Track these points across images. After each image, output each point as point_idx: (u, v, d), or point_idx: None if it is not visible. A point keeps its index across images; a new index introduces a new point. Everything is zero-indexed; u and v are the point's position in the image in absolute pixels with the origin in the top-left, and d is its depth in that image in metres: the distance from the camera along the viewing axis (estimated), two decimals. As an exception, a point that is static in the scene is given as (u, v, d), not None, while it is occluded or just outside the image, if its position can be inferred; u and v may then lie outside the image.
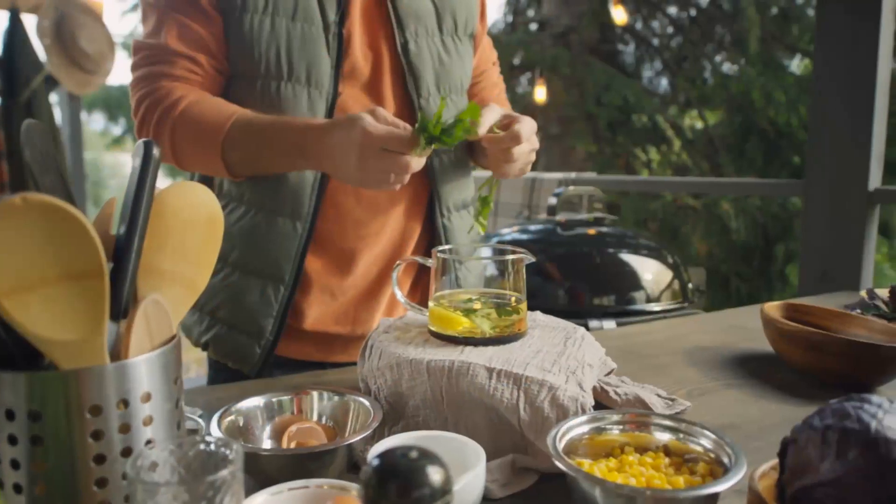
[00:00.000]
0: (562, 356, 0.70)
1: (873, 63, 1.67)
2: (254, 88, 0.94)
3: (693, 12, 6.42)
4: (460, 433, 0.66)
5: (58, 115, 3.13)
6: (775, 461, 0.56)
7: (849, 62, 1.72)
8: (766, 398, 0.87)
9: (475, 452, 0.54)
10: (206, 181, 1.03)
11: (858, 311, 1.17)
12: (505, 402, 0.63)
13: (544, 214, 2.32)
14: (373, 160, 0.80)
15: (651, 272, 1.66)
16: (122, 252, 0.43)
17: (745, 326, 1.23)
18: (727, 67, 6.13)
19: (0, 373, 0.39)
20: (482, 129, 0.88)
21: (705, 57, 6.19)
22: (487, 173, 0.99)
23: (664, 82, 6.78)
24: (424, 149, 0.81)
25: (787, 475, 0.51)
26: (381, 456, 0.35)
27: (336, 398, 0.68)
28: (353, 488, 0.49)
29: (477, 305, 0.76)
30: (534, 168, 1.11)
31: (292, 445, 0.64)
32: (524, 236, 1.79)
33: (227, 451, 0.39)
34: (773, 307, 1.05)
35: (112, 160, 11.48)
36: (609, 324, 1.47)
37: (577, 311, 1.54)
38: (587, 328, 0.86)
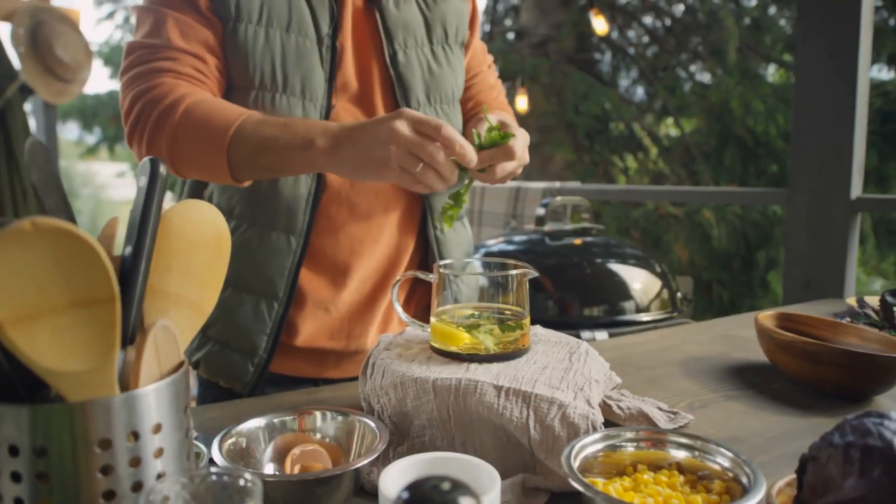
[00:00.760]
0: (568, 372, 0.69)
1: (853, 74, 1.71)
2: (248, 100, 0.92)
3: (668, 21, 6.52)
4: (468, 453, 0.65)
5: (32, 124, 3.06)
6: (790, 477, 0.56)
7: (829, 73, 1.75)
8: (766, 410, 0.87)
9: (489, 475, 0.53)
10: (197, 195, 1.01)
11: (848, 319, 1.18)
12: (514, 420, 0.62)
13: (530, 224, 2.32)
14: (404, 133, 0.76)
15: (640, 282, 1.66)
16: (129, 275, 0.41)
17: (737, 336, 1.24)
18: (702, 76, 6.23)
19: (1, 406, 0.37)
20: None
21: (680, 66, 6.28)
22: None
23: (640, 91, 6.86)
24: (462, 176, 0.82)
25: (806, 492, 0.51)
26: (412, 489, 0.34)
27: (340, 418, 0.66)
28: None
29: (480, 321, 0.75)
30: (517, 177, 1.11)
31: (296, 469, 0.62)
32: (512, 247, 1.78)
33: (246, 484, 0.37)
34: (766, 317, 1.05)
35: (84, 169, 11.26)
36: (601, 334, 1.47)
37: (568, 322, 1.54)
38: (579, 339, 0.86)
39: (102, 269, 0.35)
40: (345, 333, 1.01)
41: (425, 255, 1.07)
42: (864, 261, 4.99)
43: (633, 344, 1.19)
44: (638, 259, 1.72)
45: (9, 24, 2.85)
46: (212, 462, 0.59)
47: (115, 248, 0.46)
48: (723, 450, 0.55)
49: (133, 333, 0.42)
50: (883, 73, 5.02)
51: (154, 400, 0.40)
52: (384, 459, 0.65)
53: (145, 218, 0.42)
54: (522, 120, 5.41)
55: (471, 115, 1.13)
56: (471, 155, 0.79)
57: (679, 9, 6.44)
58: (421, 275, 0.79)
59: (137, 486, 0.39)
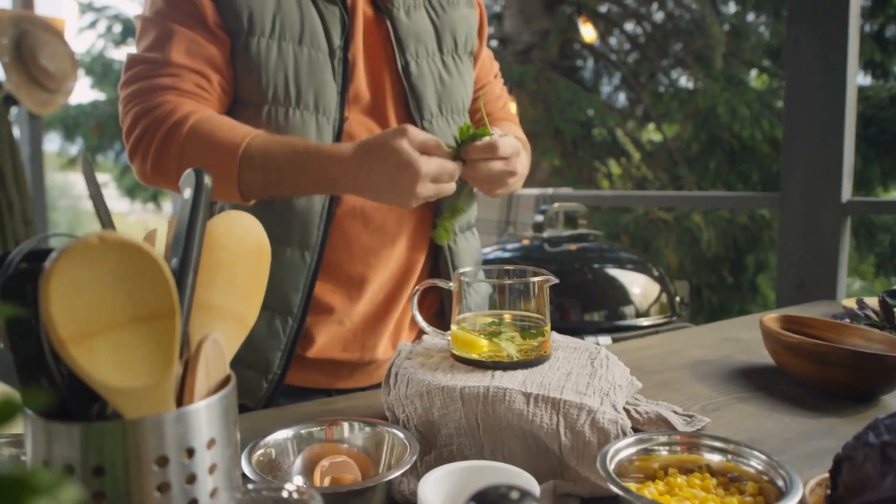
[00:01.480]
0: (593, 378, 0.69)
1: (842, 80, 1.74)
2: (260, 114, 0.91)
3: (648, 28, 6.60)
4: (497, 460, 0.65)
5: (17, 134, 3.01)
6: (821, 477, 0.56)
7: (818, 79, 1.78)
8: (779, 411, 0.88)
9: (528, 482, 0.53)
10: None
11: (847, 320, 1.20)
12: (545, 427, 0.62)
13: (524, 231, 2.33)
14: (427, 175, 0.78)
15: (639, 286, 1.68)
16: (178, 288, 0.41)
17: (739, 338, 1.25)
18: (684, 82, 6.31)
19: (56, 424, 0.36)
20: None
21: (662, 72, 6.36)
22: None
23: (622, 97, 6.94)
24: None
25: (841, 491, 0.51)
26: (479, 498, 0.34)
27: (368, 429, 0.66)
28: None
29: (502, 328, 0.75)
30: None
31: (326, 481, 0.61)
32: (510, 254, 1.79)
33: (304, 498, 0.37)
34: (771, 319, 1.07)
35: (61, 180, 11.09)
36: (605, 340, 1.48)
37: (570, 328, 1.55)
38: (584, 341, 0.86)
39: (164, 283, 0.35)
40: (358, 344, 1.01)
41: (436, 264, 1.07)
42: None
43: (637, 348, 1.20)
44: (636, 264, 1.73)
45: (-7, 34, 2.81)
46: (243, 476, 0.58)
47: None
48: (756, 452, 0.56)
49: (181, 349, 0.41)
50: (860, 79, 5.13)
51: (207, 415, 0.39)
52: (412, 469, 0.65)
53: (192, 230, 0.42)
54: (509, 126, 5.42)
55: (479, 125, 1.14)
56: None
57: (660, 16, 6.52)
58: (440, 283, 0.79)
59: None
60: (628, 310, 1.60)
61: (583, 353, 0.77)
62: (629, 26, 6.83)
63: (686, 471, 0.59)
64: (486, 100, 1.17)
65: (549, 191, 2.62)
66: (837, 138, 1.76)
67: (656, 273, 1.73)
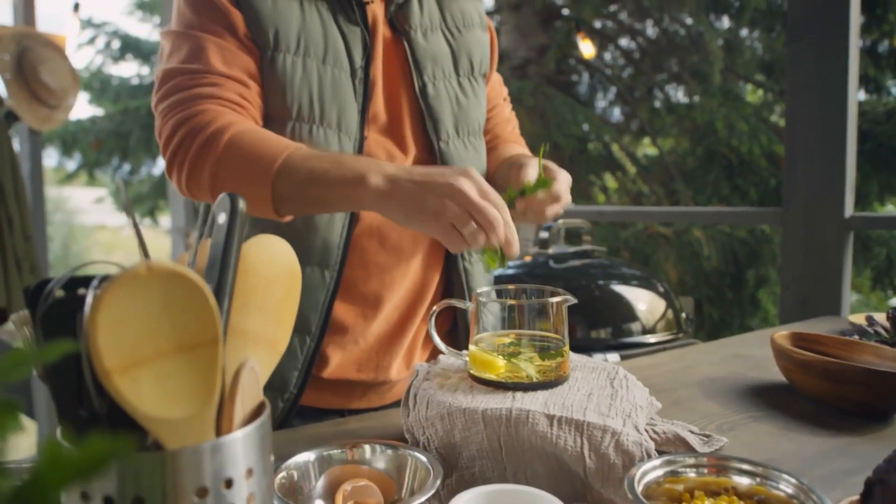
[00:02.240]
0: (615, 399, 0.69)
1: (843, 95, 1.76)
2: (284, 131, 0.91)
3: (643, 43, 6.67)
4: (520, 483, 0.65)
5: (17, 149, 3.01)
6: (850, 499, 0.56)
7: (819, 96, 1.80)
8: (794, 430, 0.87)
9: (556, 506, 0.53)
10: None
11: (856, 336, 1.20)
12: (569, 449, 0.62)
13: (530, 246, 2.33)
14: (467, 191, 0.73)
15: (645, 303, 1.68)
16: (213, 315, 0.40)
17: (748, 355, 1.25)
18: (679, 96, 6.36)
19: (95, 454, 0.36)
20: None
21: (657, 87, 6.41)
22: None
23: (617, 111, 6.99)
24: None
25: (872, 516, 0.51)
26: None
27: (390, 451, 0.65)
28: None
29: (521, 349, 0.75)
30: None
31: (349, 505, 0.61)
32: (516, 271, 1.79)
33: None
34: (782, 336, 1.06)
35: (56, 195, 11.09)
36: (613, 357, 1.48)
37: (577, 346, 1.55)
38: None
39: (209, 312, 0.34)
40: (373, 365, 1.01)
41: (450, 285, 1.07)
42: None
43: (647, 366, 1.20)
44: (641, 280, 1.74)
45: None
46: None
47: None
48: (785, 475, 0.55)
49: (217, 375, 0.41)
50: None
51: (244, 445, 0.39)
52: (434, 493, 0.64)
53: (227, 255, 0.42)
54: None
55: (488, 147, 1.14)
56: (515, 249, 0.78)
57: (654, 31, 6.59)
58: (458, 303, 0.79)
59: (231, 534, 0.38)
60: (635, 327, 1.60)
61: (601, 374, 0.77)
62: (624, 42, 6.90)
63: (712, 493, 0.59)
64: (497, 122, 1.17)
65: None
66: (839, 154, 1.77)
67: (662, 289, 1.73)
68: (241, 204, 0.43)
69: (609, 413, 0.66)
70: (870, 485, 0.52)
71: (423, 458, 0.64)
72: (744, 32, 6.07)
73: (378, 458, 0.66)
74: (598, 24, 6.71)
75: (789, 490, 0.54)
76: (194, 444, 0.36)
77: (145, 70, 8.07)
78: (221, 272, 0.42)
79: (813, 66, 1.80)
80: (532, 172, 0.87)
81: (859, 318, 1.30)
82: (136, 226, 0.40)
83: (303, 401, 0.98)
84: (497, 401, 0.67)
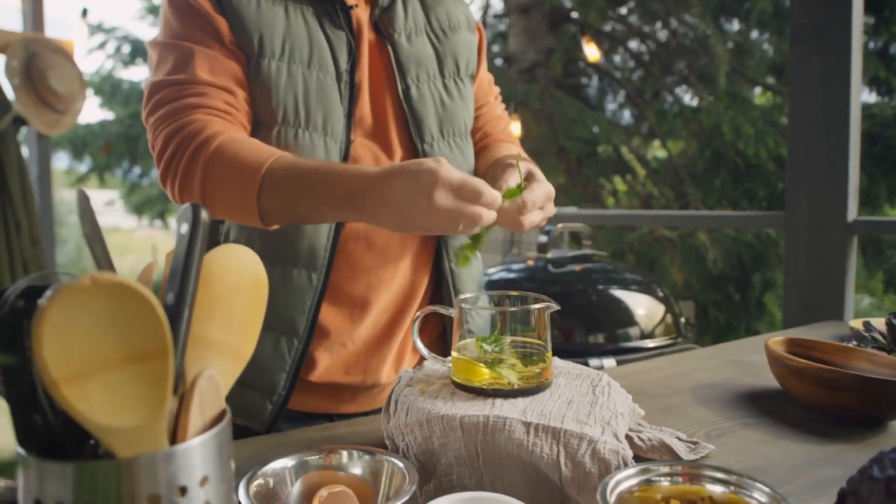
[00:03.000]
0: (595, 406, 0.69)
1: (846, 98, 1.74)
2: (270, 135, 0.92)
3: (653, 46, 6.64)
4: (497, 490, 0.64)
5: (25, 154, 3.05)
6: (826, 511, 0.56)
7: (822, 99, 1.78)
8: (784, 438, 0.87)
9: (527, 516, 0.52)
10: (212, 231, 1.00)
11: (854, 342, 1.19)
12: (545, 457, 0.62)
13: (528, 251, 2.33)
14: (446, 205, 0.74)
15: (644, 308, 1.67)
16: (173, 324, 0.41)
17: (744, 361, 1.24)
18: (688, 99, 6.33)
19: (48, 463, 0.36)
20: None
21: (666, 89, 6.38)
22: None
23: (626, 114, 6.97)
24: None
25: (846, 528, 0.50)
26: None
27: (367, 457, 0.65)
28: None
29: (503, 356, 0.75)
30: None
31: (325, 512, 0.61)
32: (513, 275, 1.79)
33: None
34: (776, 343, 1.05)
35: (70, 197, 11.22)
36: (609, 362, 1.47)
37: (574, 350, 1.54)
38: (587, 367, 0.86)
39: (157, 323, 0.35)
40: (361, 368, 1.01)
41: (438, 287, 1.07)
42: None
43: (642, 371, 1.19)
44: (640, 285, 1.73)
45: (3, 55, 2.85)
46: (240, 506, 0.58)
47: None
48: (759, 484, 0.55)
49: (177, 384, 0.41)
50: (864, 96, 5.13)
51: (201, 452, 0.39)
52: (411, 499, 0.64)
53: (188, 265, 0.42)
54: (514, 144, 5.44)
55: (480, 146, 1.14)
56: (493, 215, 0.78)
57: (663, 34, 6.56)
58: (441, 309, 0.79)
59: (185, 542, 0.38)
60: (633, 331, 1.59)
61: (584, 380, 0.77)
62: (633, 44, 6.88)
63: (688, 502, 0.58)
64: (487, 120, 1.17)
65: (554, 210, 2.61)
66: (842, 157, 1.76)
67: (661, 294, 1.72)
68: (204, 214, 0.43)
69: (587, 420, 0.65)
70: (842, 495, 0.52)
71: (400, 464, 0.64)
72: (754, 35, 6.03)
73: (355, 463, 0.66)
74: (607, 28, 6.70)
75: (763, 499, 0.54)
76: (146, 452, 0.36)
77: (156, 74, 8.10)
78: (182, 281, 0.42)
79: (815, 69, 1.78)
80: (511, 181, 0.86)
81: (860, 323, 1.29)
82: (90, 236, 0.40)
83: (291, 405, 0.99)
84: (476, 408, 0.67)
